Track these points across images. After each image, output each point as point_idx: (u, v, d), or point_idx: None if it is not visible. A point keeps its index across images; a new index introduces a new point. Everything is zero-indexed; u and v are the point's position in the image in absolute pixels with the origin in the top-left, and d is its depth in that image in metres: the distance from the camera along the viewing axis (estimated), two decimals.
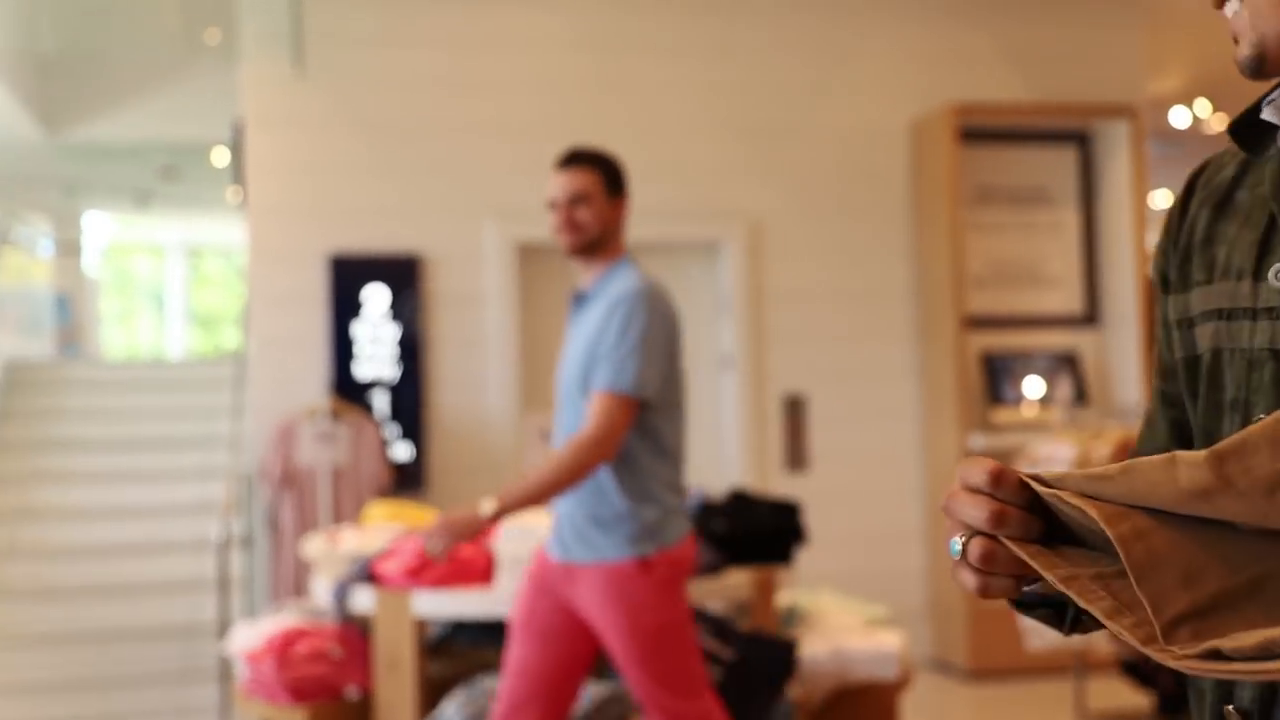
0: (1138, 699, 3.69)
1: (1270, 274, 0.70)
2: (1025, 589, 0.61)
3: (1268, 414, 0.60)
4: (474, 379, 4.15)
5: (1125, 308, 4.40)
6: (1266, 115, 0.70)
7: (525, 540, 2.61)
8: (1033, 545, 0.53)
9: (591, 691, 2.55)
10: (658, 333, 2.19)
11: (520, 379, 4.11)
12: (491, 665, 2.56)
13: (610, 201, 2.22)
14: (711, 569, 2.86)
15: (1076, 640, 3.76)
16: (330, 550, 2.83)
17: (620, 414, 2.02)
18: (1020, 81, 4.53)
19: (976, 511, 0.55)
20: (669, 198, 4.28)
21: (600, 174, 2.21)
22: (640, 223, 4.26)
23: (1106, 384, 4.46)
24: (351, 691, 2.70)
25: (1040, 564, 0.51)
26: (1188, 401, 0.76)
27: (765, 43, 4.45)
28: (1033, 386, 4.31)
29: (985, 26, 4.54)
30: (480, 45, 4.24)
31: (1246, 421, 0.70)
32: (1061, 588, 0.51)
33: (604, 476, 2.03)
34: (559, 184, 2.17)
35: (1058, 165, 4.56)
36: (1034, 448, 3.68)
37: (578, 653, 2.11)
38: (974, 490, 0.57)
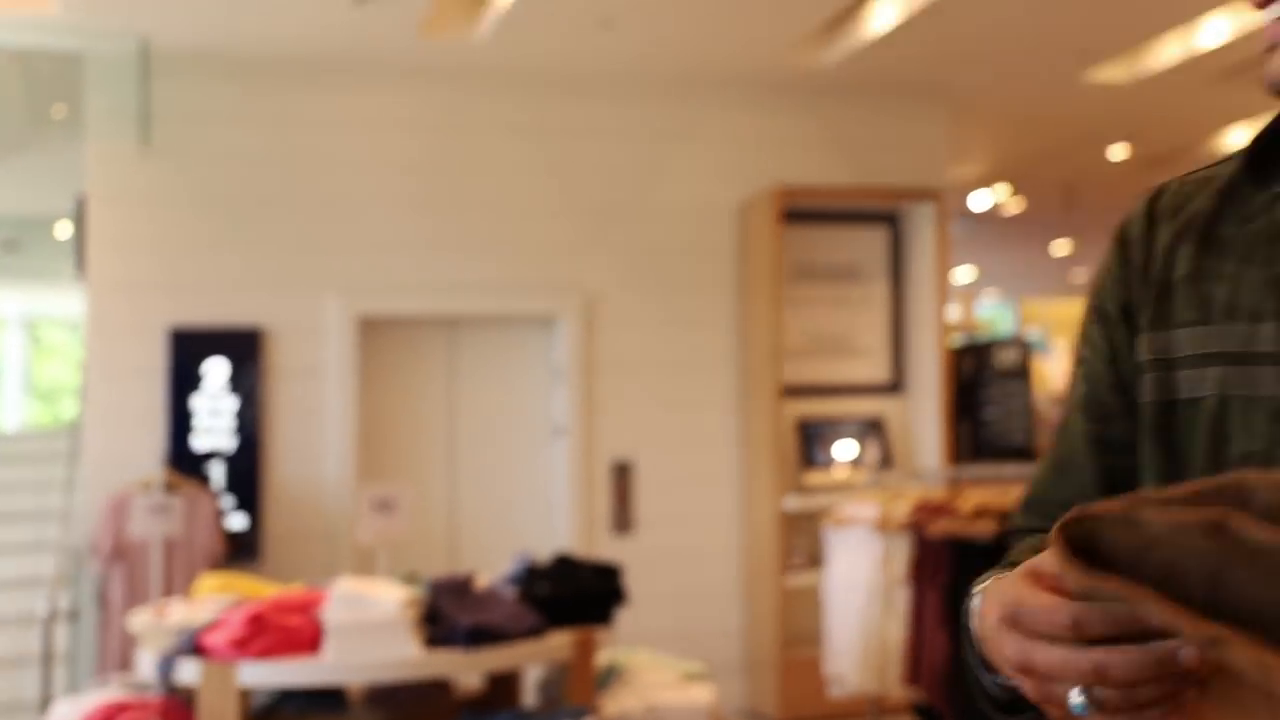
0: None
1: None
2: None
3: None
4: (312, 450, 4.32)
5: (927, 376, 4.84)
6: None
7: (354, 608, 2.69)
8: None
9: None
10: None
11: (357, 450, 4.30)
12: None
13: None
14: (535, 631, 2.95)
15: (873, 687, 4.16)
16: (157, 623, 2.84)
17: None
18: (837, 166, 4.98)
19: (1081, 670, 0.48)
20: (507, 272, 4.58)
21: None
22: (478, 296, 4.55)
23: (909, 448, 4.88)
24: None
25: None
26: (1149, 448, 0.73)
27: (603, 125, 4.78)
28: (842, 450, 4.70)
29: (807, 115, 4.98)
30: (323, 124, 4.46)
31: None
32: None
33: None
34: None
35: (870, 243, 5.01)
36: (840, 508, 4.03)
37: None
38: (1056, 640, 0.50)
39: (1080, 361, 0.80)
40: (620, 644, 3.72)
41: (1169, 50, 4.81)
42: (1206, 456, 0.69)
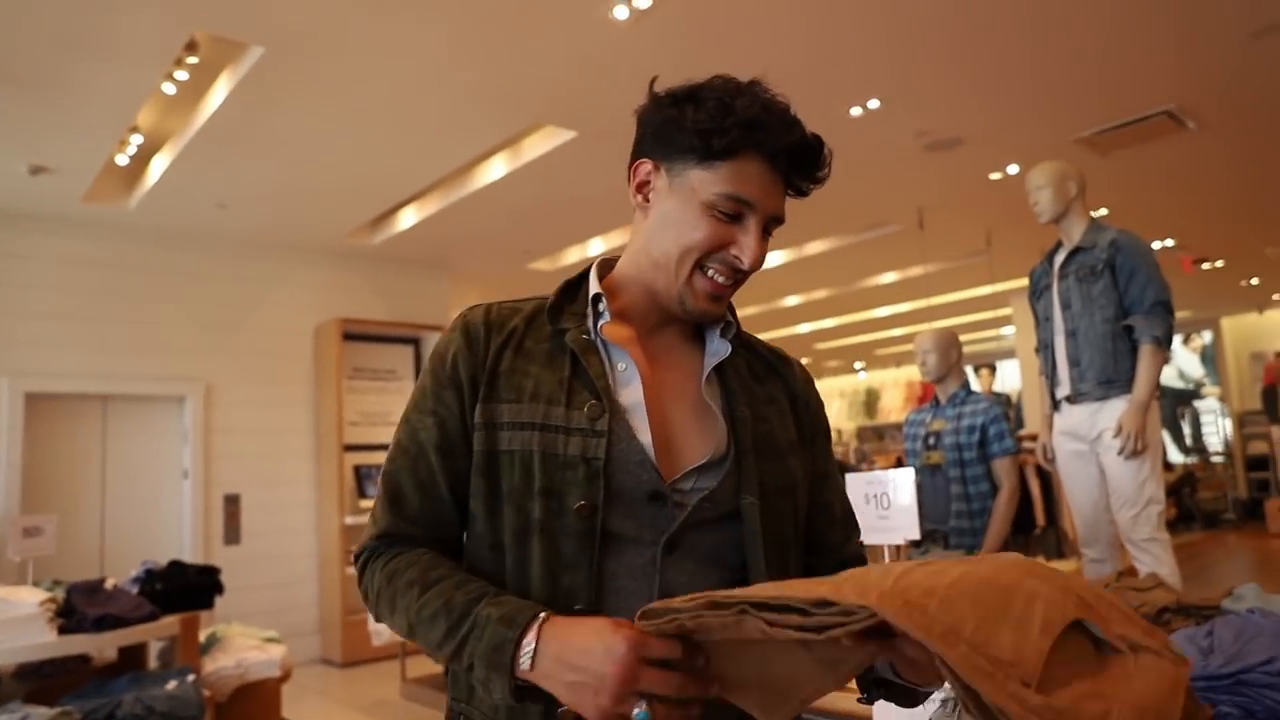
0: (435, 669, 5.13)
1: (585, 407, 1.02)
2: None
3: (583, 500, 1.00)
4: None
5: None
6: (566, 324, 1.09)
7: (3, 609, 3.06)
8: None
9: None
10: None
11: (22, 491, 5.51)
12: None
13: None
14: (151, 617, 3.48)
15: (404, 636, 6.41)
16: None
17: None
18: (379, 306, 7.21)
19: (647, 683, 0.83)
20: (154, 367, 6.10)
21: None
22: (128, 382, 6.05)
23: None
24: None
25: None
26: (478, 480, 1.04)
27: (221, 271, 6.45)
28: None
29: (361, 273, 7.15)
30: (8, 256, 5.69)
31: (561, 506, 1.00)
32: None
33: None
34: None
35: (401, 356, 7.33)
36: None
37: None
38: (630, 664, 0.82)
39: (432, 413, 1.06)
40: (219, 622, 4.57)
41: (576, 253, 8.01)
42: (517, 489, 1.01)
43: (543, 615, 0.93)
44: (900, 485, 2.33)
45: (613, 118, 4.89)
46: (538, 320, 1.12)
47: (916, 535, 2.27)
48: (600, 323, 1.10)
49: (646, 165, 1.11)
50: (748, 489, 1.06)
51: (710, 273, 1.07)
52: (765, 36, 4.12)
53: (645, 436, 1.04)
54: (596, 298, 1.12)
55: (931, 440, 3.46)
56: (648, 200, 1.11)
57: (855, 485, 2.35)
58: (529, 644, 0.91)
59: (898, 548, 2.35)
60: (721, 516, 1.05)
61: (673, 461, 1.05)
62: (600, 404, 1.03)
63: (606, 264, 1.18)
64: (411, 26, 3.88)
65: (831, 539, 1.19)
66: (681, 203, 1.07)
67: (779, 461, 1.11)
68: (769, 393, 1.18)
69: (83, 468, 5.92)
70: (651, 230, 1.10)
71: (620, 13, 3.83)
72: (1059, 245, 3.27)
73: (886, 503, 2.35)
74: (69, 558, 5.45)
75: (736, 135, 1.04)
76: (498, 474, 1.04)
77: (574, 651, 0.89)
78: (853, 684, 1.01)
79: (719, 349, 1.13)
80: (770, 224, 1.09)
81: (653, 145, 1.10)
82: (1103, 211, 7.02)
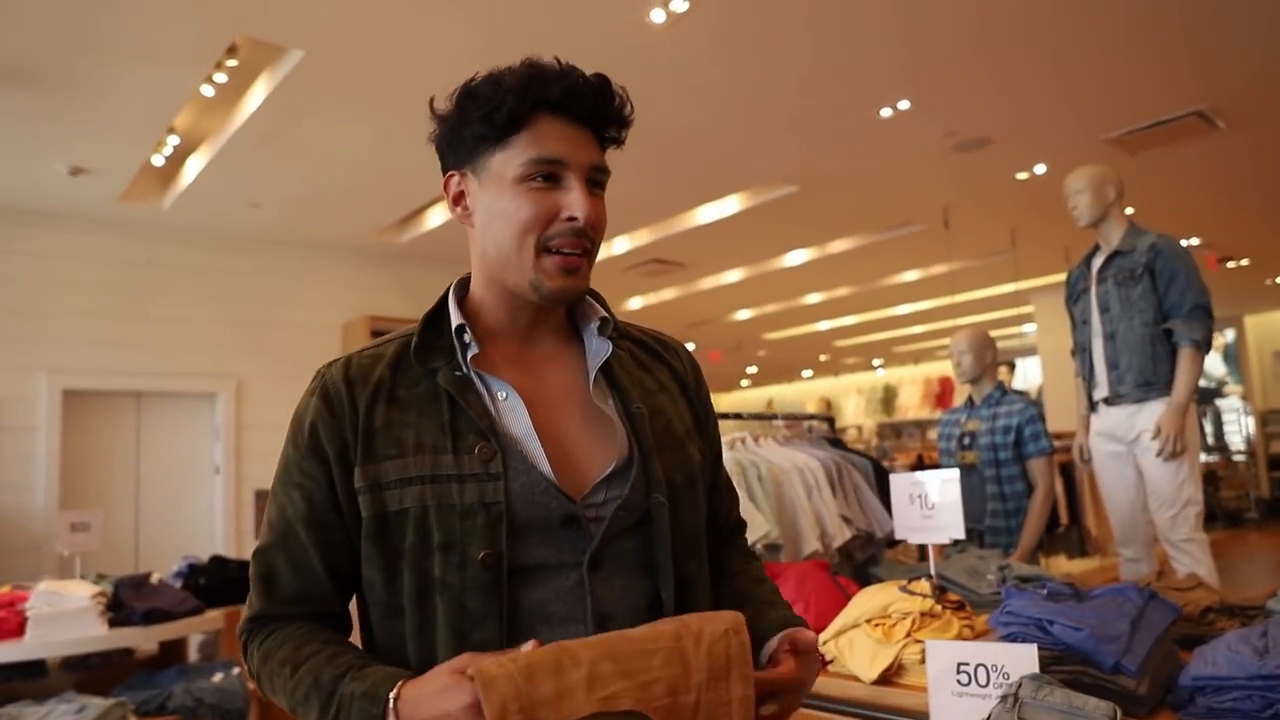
0: None
1: (475, 450, 0.97)
2: None
3: (487, 549, 0.93)
4: (24, 485, 5.60)
5: None
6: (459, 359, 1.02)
7: (53, 602, 3.13)
8: None
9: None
10: None
11: (61, 486, 5.68)
12: (19, 696, 3.00)
13: None
14: (195, 611, 3.52)
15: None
16: None
17: None
18: (406, 304, 7.28)
19: None
20: (184, 364, 6.23)
21: None
22: (161, 379, 6.18)
23: None
24: None
25: None
26: (370, 548, 0.98)
27: (253, 268, 6.58)
28: None
29: (389, 271, 7.24)
30: (43, 254, 5.82)
31: (464, 558, 0.94)
32: None
33: None
34: None
35: None
36: None
37: None
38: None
39: (297, 486, 1.00)
40: None
41: (599, 252, 8.14)
42: (414, 548, 0.95)
43: (400, 684, 0.90)
44: (943, 486, 2.36)
45: (642, 117, 4.93)
46: (404, 364, 1.05)
47: (961, 534, 2.31)
48: (470, 354, 1.04)
49: (455, 177, 1.09)
50: (656, 488, 1.04)
51: (554, 246, 1.02)
52: (798, 39, 4.15)
53: (544, 465, 1.00)
54: (460, 329, 1.05)
55: (966, 440, 3.49)
56: (468, 209, 1.08)
57: (899, 486, 2.39)
58: (390, 715, 0.88)
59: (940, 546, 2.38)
60: (638, 521, 1.03)
61: (578, 479, 1.02)
62: (490, 444, 0.98)
63: (464, 284, 1.13)
64: (448, 30, 3.93)
65: (722, 515, 1.21)
66: (496, 192, 1.03)
67: (680, 452, 1.09)
68: (658, 380, 1.15)
69: (118, 463, 6.04)
70: (481, 233, 1.06)
71: (657, 16, 3.87)
72: (1096, 248, 3.29)
73: (930, 503, 2.38)
74: (105, 552, 5.52)
75: (514, 101, 1.00)
76: (390, 536, 0.98)
77: (429, 702, 0.86)
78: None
79: (600, 348, 1.09)
80: (594, 176, 1.05)
81: (452, 156, 1.08)
82: (1129, 210, 7.01)
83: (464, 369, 1.04)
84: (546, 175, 1.02)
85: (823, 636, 2.18)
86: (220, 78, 4.44)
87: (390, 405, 1.01)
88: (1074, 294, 3.35)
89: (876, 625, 2.10)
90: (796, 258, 8.37)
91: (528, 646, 0.88)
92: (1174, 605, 1.94)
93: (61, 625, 3.13)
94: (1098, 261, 3.25)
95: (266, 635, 1.02)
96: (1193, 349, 2.95)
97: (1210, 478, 11.06)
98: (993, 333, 3.65)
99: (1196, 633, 2.05)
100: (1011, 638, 1.82)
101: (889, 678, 2.02)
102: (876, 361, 17.15)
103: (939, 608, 2.10)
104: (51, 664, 3.53)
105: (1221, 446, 12.67)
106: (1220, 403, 12.94)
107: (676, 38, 4.06)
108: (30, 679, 3.35)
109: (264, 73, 4.55)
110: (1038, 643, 1.72)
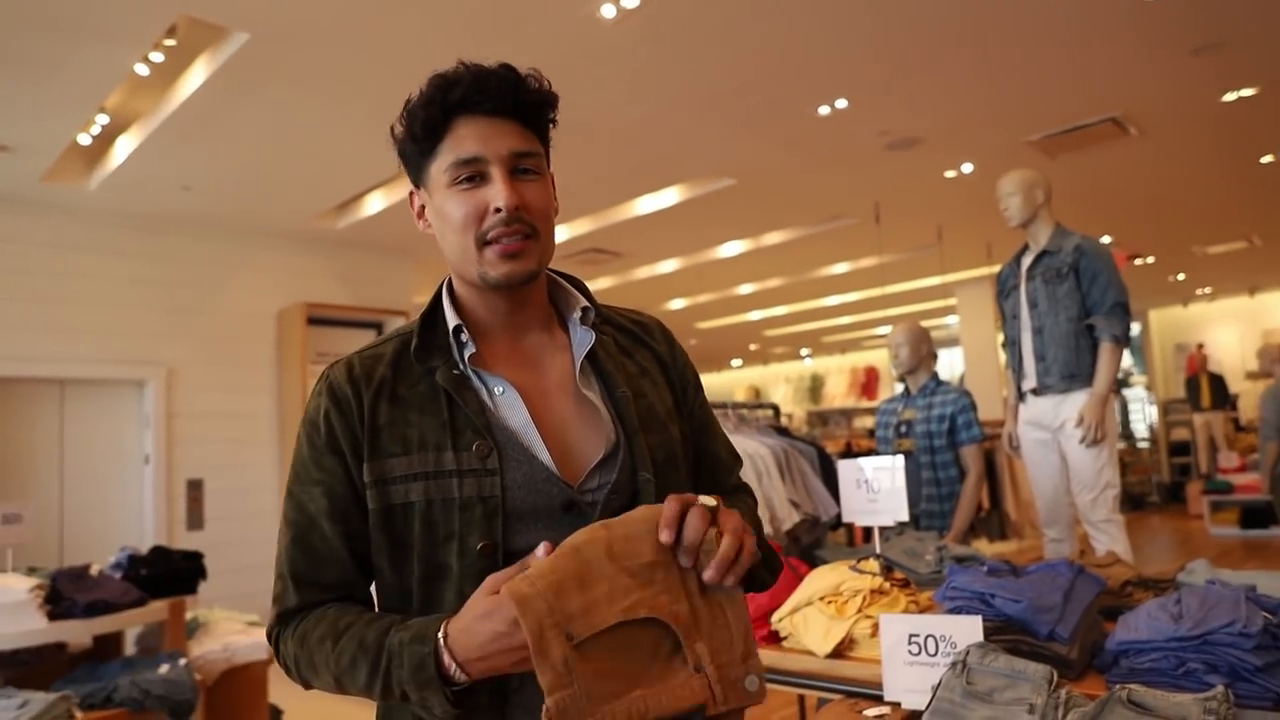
0: None
1: (473, 447, 1.02)
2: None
3: (485, 540, 0.99)
4: None
5: None
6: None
7: None
8: None
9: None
10: None
11: None
12: None
13: None
14: (139, 602, 3.49)
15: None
16: None
17: None
18: (342, 291, 7.23)
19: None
20: (113, 351, 6.02)
21: None
22: (91, 367, 5.96)
23: None
24: None
25: None
26: (379, 537, 1.04)
27: (184, 253, 6.38)
28: None
29: (325, 258, 7.12)
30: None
31: (463, 548, 1.00)
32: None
33: None
34: None
35: (364, 341, 7.28)
36: None
37: None
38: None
39: (317, 483, 1.05)
40: (200, 607, 4.46)
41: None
42: (421, 538, 1.02)
43: (445, 621, 0.96)
44: (888, 472, 2.50)
45: (587, 110, 4.99)
46: (404, 363, 1.10)
47: (905, 517, 2.45)
48: (467, 354, 1.09)
49: (413, 194, 1.17)
50: (643, 467, 1.09)
51: (490, 238, 1.07)
52: (745, 37, 4.27)
53: (544, 455, 1.05)
54: (458, 329, 1.10)
55: (903, 428, 3.67)
56: (428, 221, 1.15)
57: (847, 471, 2.52)
58: (444, 650, 0.94)
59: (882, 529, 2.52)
60: (628, 502, 1.08)
61: (574, 466, 1.07)
62: (486, 442, 1.04)
63: (452, 284, 1.18)
64: (397, 19, 3.92)
65: (720, 480, 1.26)
66: (439, 199, 1.10)
67: (662, 432, 1.14)
68: (640, 364, 1.20)
69: (40, 453, 5.83)
70: (440, 239, 1.12)
71: (608, 11, 3.93)
72: (1026, 248, 3.49)
73: (875, 487, 2.52)
74: (28, 544, 5.36)
75: (425, 113, 1.08)
76: (397, 527, 1.04)
77: (475, 627, 0.93)
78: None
79: (584, 338, 1.14)
80: (517, 164, 1.09)
81: (409, 175, 1.16)
82: None
83: (461, 367, 1.09)
84: (470, 175, 1.07)
85: (778, 614, 2.30)
86: (157, 57, 4.32)
87: (393, 404, 1.07)
88: (1004, 290, 3.55)
89: (829, 602, 2.23)
90: (732, 249, 8.52)
91: (540, 551, 0.96)
92: (1099, 579, 2.12)
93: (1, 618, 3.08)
94: (1027, 260, 3.45)
95: (299, 623, 1.06)
96: (1113, 343, 3.17)
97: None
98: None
99: (1117, 604, 2.23)
100: (957, 610, 1.96)
101: (841, 651, 2.15)
102: (804, 351, 17.53)
103: (887, 585, 2.24)
104: None
105: (1127, 434, 13.36)
106: (1126, 392, 13.64)
107: (626, 33, 4.13)
108: None
109: (203, 54, 4.45)
110: (981, 615, 1.86)
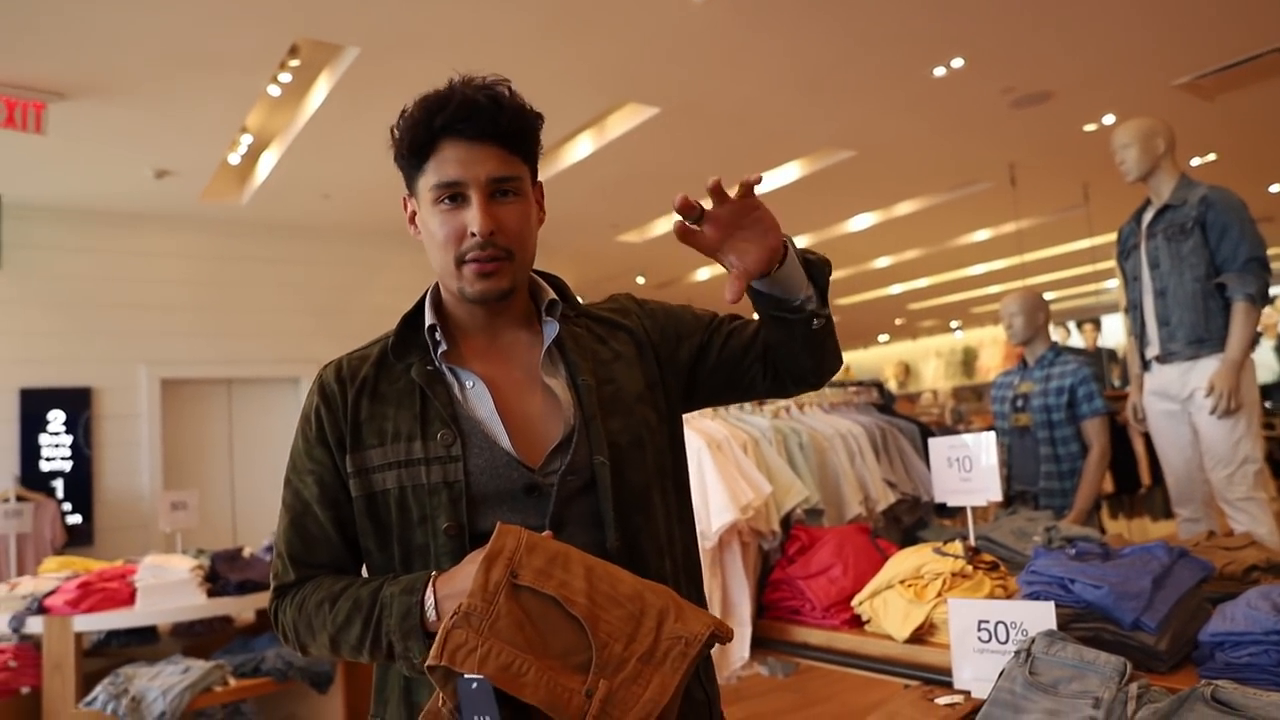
0: None
1: (438, 436, 1.11)
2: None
3: (450, 522, 1.06)
4: (129, 469, 6.02)
5: None
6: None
7: (158, 574, 3.39)
8: None
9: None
10: None
11: (163, 468, 6.09)
12: (135, 659, 3.33)
13: None
14: None
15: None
16: (9, 593, 3.46)
17: None
18: None
19: None
20: (269, 350, 6.55)
21: None
22: (252, 367, 6.48)
23: None
24: (25, 690, 3.28)
25: None
26: (364, 522, 1.12)
27: (327, 257, 6.85)
28: None
29: None
30: (133, 252, 6.21)
31: (433, 529, 1.08)
32: None
33: None
34: None
35: None
36: None
37: None
38: None
39: (309, 472, 1.14)
40: None
41: (663, 225, 8.03)
42: (399, 522, 1.10)
43: (433, 574, 1.04)
44: (982, 448, 2.38)
45: (692, 93, 4.97)
46: (387, 362, 1.18)
47: (999, 497, 2.33)
48: (440, 351, 1.16)
49: (406, 200, 1.20)
50: (598, 450, 1.13)
51: (467, 258, 1.12)
52: (837, 5, 4.12)
53: (504, 441, 1.12)
54: (431, 329, 1.17)
55: (1020, 402, 3.47)
56: (417, 228, 1.19)
57: (937, 449, 2.41)
58: (429, 600, 1.02)
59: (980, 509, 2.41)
60: (586, 484, 1.13)
61: (534, 450, 1.13)
62: (450, 431, 1.11)
63: (439, 287, 1.24)
64: (498, 16, 4.04)
65: (747, 339, 1.27)
66: (425, 214, 1.14)
67: (628, 416, 1.18)
68: (613, 350, 1.24)
69: (214, 446, 6.42)
70: (426, 248, 1.17)
71: None
72: (1147, 203, 3.22)
73: (969, 465, 2.40)
74: (205, 529, 5.90)
75: (412, 132, 1.12)
76: (378, 513, 1.12)
77: (459, 572, 1.02)
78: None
79: (549, 331, 1.19)
80: (495, 188, 1.12)
81: (405, 181, 1.18)
82: (1210, 158, 6.72)
83: (435, 364, 1.16)
84: (451, 196, 1.12)
85: (858, 598, 2.25)
86: (285, 78, 4.65)
87: (373, 400, 1.15)
88: (1124, 250, 3.29)
89: (909, 586, 2.16)
90: (862, 222, 8.27)
91: (548, 533, 1.04)
92: (1205, 563, 1.94)
93: (166, 595, 3.39)
94: (1148, 216, 3.17)
95: (296, 593, 1.15)
96: (1247, 303, 2.88)
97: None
98: (1071, 291, 3.59)
99: (1238, 591, 2.04)
100: (1034, 596, 1.85)
101: (921, 636, 2.08)
102: (954, 323, 16.79)
103: (970, 568, 2.15)
104: (163, 631, 3.84)
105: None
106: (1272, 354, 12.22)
107: (715, 13, 4.08)
108: (144, 644, 3.69)
109: (325, 70, 4.74)
110: (1059, 601, 1.75)
